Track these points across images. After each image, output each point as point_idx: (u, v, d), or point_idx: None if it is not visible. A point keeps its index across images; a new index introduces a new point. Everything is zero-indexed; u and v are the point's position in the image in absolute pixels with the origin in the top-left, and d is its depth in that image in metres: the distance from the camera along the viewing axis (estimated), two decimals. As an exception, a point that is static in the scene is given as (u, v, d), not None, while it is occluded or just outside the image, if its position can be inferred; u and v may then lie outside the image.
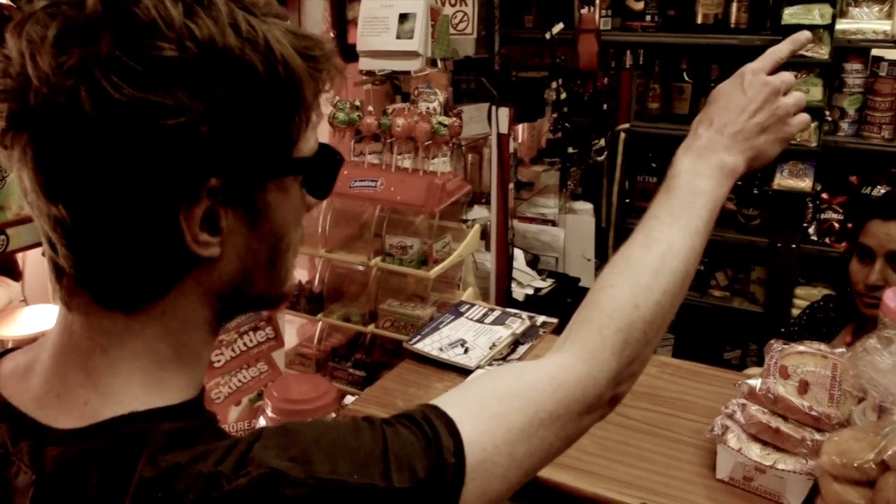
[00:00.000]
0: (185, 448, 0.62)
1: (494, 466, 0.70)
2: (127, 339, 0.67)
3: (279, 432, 0.65)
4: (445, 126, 2.26)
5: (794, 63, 3.12)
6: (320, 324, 2.59)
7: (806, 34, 1.01)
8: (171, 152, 0.61)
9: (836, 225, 3.40)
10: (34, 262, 4.02)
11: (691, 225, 0.90)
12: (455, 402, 0.73)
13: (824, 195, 3.42)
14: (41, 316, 3.97)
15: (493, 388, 0.77)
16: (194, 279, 0.68)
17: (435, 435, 0.68)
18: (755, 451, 1.31)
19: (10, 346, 3.57)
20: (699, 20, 3.50)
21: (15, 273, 3.75)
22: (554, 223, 3.55)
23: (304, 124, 0.70)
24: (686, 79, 3.72)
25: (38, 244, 1.73)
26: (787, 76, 0.98)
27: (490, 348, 1.83)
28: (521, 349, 1.85)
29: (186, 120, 0.60)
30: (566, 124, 3.41)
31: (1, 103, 0.61)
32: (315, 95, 0.70)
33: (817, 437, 1.28)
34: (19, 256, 3.71)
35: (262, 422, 1.94)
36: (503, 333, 1.90)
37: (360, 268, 2.47)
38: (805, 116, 1.00)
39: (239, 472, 0.60)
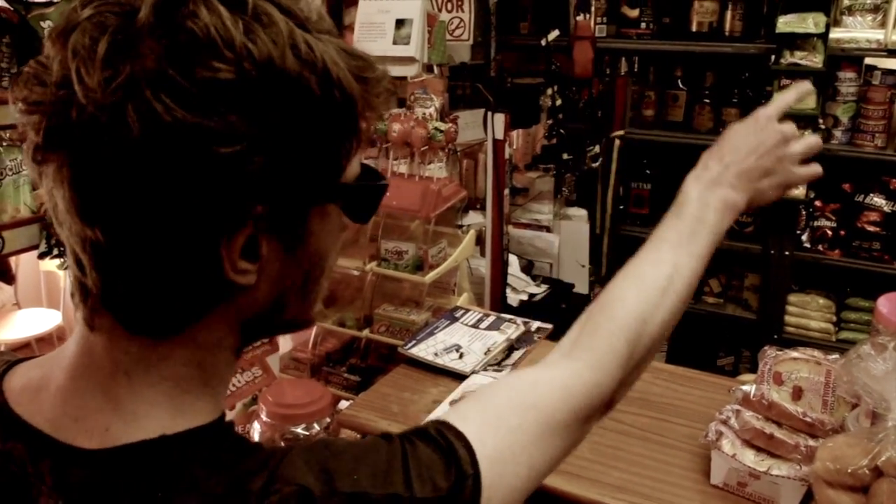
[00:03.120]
0: (218, 472, 0.61)
1: (516, 479, 0.71)
2: (152, 364, 0.64)
3: (308, 448, 0.65)
4: (441, 132, 2.27)
5: (789, 71, 3.14)
6: (315, 328, 2.59)
7: (809, 86, 1.08)
8: (220, 180, 0.57)
9: (829, 232, 3.41)
10: (27, 266, 4.02)
11: (696, 251, 0.94)
12: (475, 416, 0.73)
13: (817, 203, 3.43)
14: (34, 319, 3.97)
15: (507, 398, 0.77)
16: (226, 306, 0.65)
17: (451, 448, 0.68)
18: (749, 457, 1.32)
19: (1, 348, 3.56)
20: (694, 28, 3.52)
21: (8, 276, 3.75)
22: (548, 229, 3.56)
23: (354, 150, 0.67)
24: (680, 86, 3.74)
25: (34, 247, 1.74)
26: (793, 126, 1.02)
27: (485, 353, 1.83)
28: (516, 354, 1.85)
29: (240, 148, 0.56)
30: (561, 131, 3.43)
31: (34, 115, 0.58)
32: (367, 120, 0.66)
33: (811, 443, 1.29)
34: (12, 259, 3.71)
35: (256, 426, 1.93)
36: (498, 339, 1.91)
37: (356, 272, 2.47)
38: (816, 168, 1.05)
39: (269, 489, 0.60)
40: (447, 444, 0.68)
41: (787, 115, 1.02)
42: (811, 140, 1.03)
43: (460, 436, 0.69)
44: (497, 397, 0.78)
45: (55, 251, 1.63)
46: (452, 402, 1.63)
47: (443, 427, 0.70)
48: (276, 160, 0.59)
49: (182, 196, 0.57)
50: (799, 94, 1.07)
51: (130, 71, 0.55)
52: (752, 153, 0.99)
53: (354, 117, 0.64)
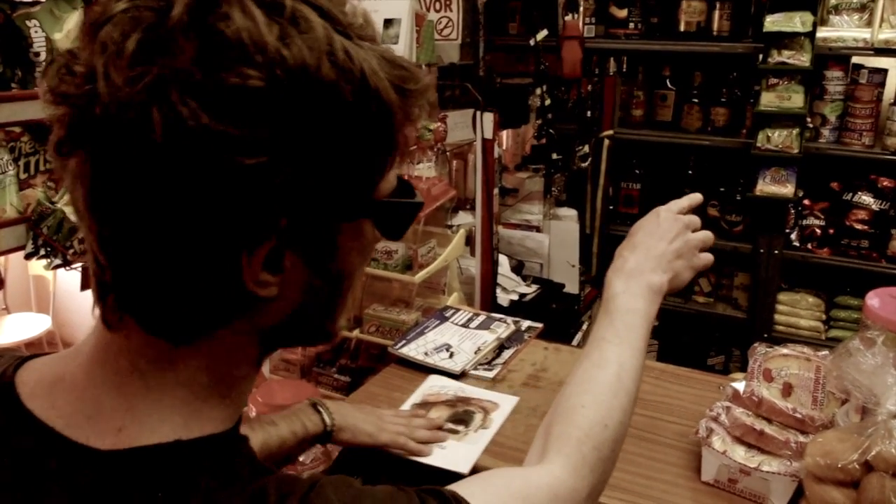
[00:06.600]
0: (232, 483, 0.61)
1: None
2: (168, 368, 0.63)
3: (335, 483, 0.64)
4: (430, 131, 2.27)
5: (777, 70, 3.15)
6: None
7: (699, 197, 1.18)
8: (244, 190, 0.55)
9: (818, 231, 3.42)
10: (16, 270, 4.00)
11: (635, 343, 1.00)
12: (479, 493, 0.74)
13: (806, 201, 3.45)
14: (23, 324, 3.95)
15: (506, 485, 0.79)
16: (246, 316, 0.63)
17: None
18: (740, 454, 1.32)
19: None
20: (682, 28, 3.54)
21: (-4, 280, 3.72)
22: (538, 229, 3.56)
23: (389, 164, 0.64)
24: (669, 86, 3.75)
25: (21, 247, 1.72)
26: (693, 218, 1.14)
27: (475, 353, 1.83)
28: (506, 353, 1.85)
29: (266, 159, 0.54)
30: (550, 131, 3.43)
31: (60, 106, 0.56)
32: (406, 133, 0.64)
33: (801, 438, 1.29)
34: (1, 264, 3.68)
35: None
36: (488, 338, 1.90)
37: (345, 273, 2.46)
38: (709, 257, 1.14)
39: None
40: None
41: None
42: (706, 234, 1.14)
43: None
44: (498, 482, 0.80)
45: (42, 251, 1.62)
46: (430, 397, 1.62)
47: (453, 495, 0.71)
48: (304, 172, 0.57)
49: (202, 204, 0.55)
50: (691, 201, 1.17)
51: (158, 72, 0.53)
52: (661, 239, 1.09)
53: (391, 130, 0.62)
